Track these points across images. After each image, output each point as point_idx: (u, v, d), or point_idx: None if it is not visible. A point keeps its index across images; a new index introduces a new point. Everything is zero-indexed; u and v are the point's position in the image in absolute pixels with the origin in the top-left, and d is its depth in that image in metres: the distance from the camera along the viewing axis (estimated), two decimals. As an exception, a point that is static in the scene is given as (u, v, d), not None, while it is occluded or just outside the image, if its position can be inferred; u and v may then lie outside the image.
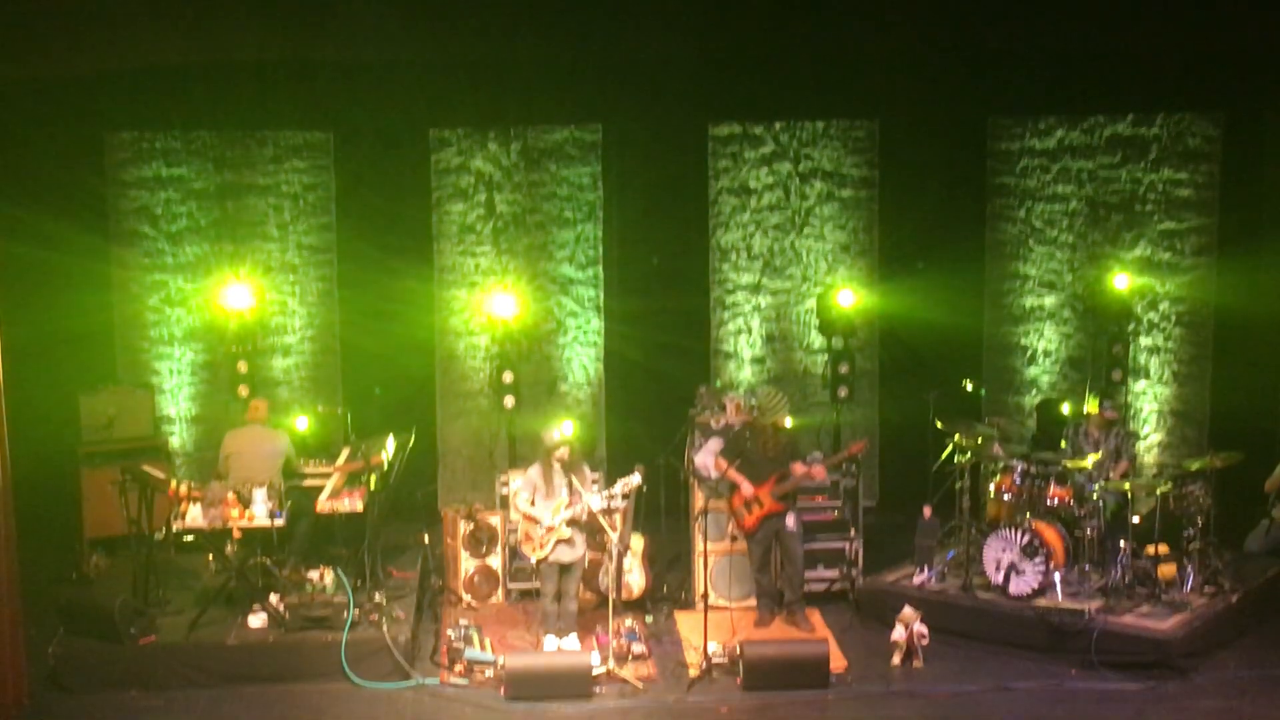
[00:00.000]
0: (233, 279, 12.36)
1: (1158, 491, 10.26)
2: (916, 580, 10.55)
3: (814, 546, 10.82)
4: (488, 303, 12.61)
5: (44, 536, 11.25)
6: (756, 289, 13.22)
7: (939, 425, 11.03)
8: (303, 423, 11.79)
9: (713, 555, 10.61)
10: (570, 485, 9.63)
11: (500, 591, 11.03)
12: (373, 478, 10.42)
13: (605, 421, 13.14)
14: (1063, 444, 11.18)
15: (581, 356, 13.16)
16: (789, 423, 10.36)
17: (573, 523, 9.62)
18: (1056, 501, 10.43)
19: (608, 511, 9.64)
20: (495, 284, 12.79)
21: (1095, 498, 10.38)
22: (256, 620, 9.71)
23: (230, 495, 10.08)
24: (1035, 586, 9.96)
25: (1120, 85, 12.60)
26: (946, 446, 10.97)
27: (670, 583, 11.14)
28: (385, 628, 9.56)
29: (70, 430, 11.72)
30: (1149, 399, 13.06)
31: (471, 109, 12.74)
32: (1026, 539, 10.03)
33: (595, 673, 9.30)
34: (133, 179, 12.70)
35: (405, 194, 12.84)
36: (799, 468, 10.14)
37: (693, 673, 9.47)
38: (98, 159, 12.61)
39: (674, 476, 11.11)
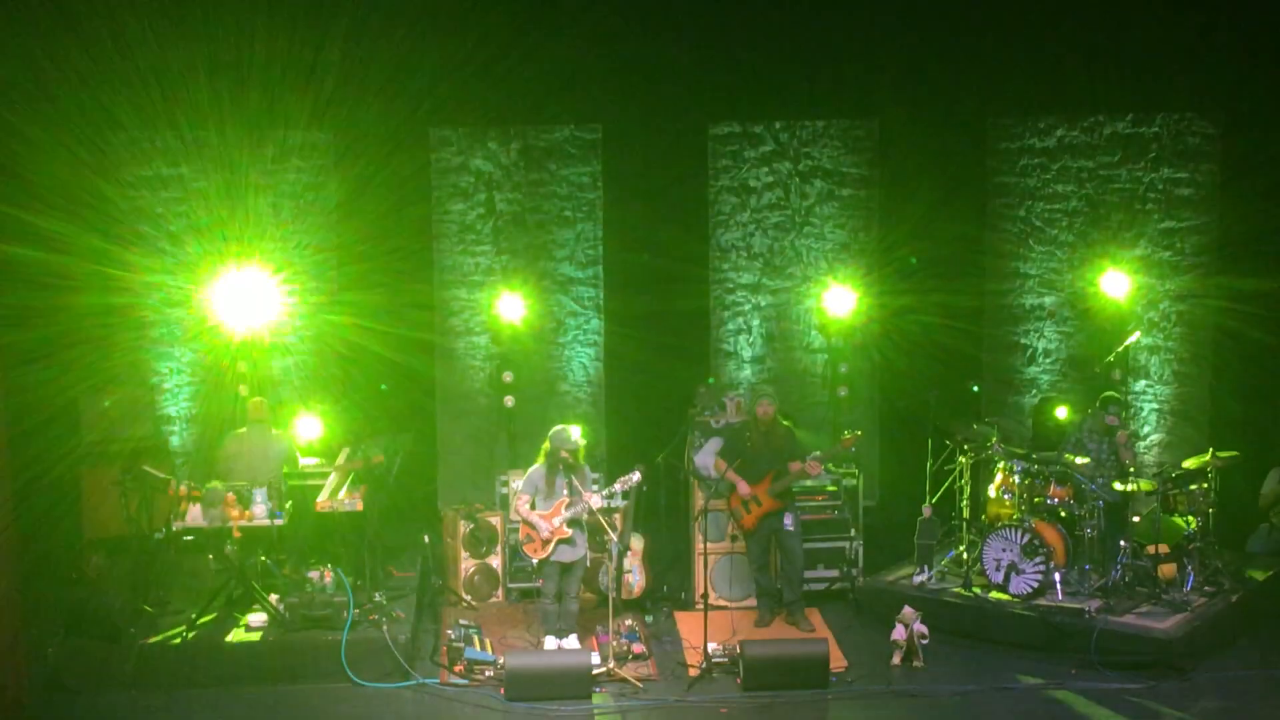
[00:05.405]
0: (234, 279, 12.33)
1: (1158, 491, 10.26)
2: (916, 580, 10.56)
3: (814, 546, 10.83)
4: (488, 302, 12.59)
5: (44, 537, 11.24)
6: (756, 288, 13.21)
7: (939, 425, 11.02)
8: (306, 424, 11.77)
9: (713, 555, 10.62)
10: (571, 485, 9.64)
11: (500, 591, 11.04)
12: (372, 477, 10.41)
13: (605, 421, 13.14)
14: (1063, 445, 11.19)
15: (581, 356, 13.15)
16: (785, 422, 10.37)
17: (574, 523, 9.64)
18: (1056, 501, 10.44)
19: (608, 511, 9.65)
20: (495, 284, 12.78)
21: (1095, 497, 10.38)
22: (256, 620, 9.71)
23: (230, 495, 10.07)
24: (1035, 586, 9.97)
25: (1120, 85, 12.57)
26: (946, 446, 10.96)
27: (670, 583, 11.14)
28: (385, 628, 9.57)
29: (70, 430, 11.71)
30: (1149, 399, 13.04)
31: (471, 109, 12.72)
32: (1026, 539, 10.03)
33: (595, 673, 9.31)
34: (134, 178, 12.68)
35: (405, 194, 12.82)
36: (795, 465, 10.14)
37: (693, 673, 9.48)
38: (98, 159, 12.58)
39: (674, 476, 11.11)
